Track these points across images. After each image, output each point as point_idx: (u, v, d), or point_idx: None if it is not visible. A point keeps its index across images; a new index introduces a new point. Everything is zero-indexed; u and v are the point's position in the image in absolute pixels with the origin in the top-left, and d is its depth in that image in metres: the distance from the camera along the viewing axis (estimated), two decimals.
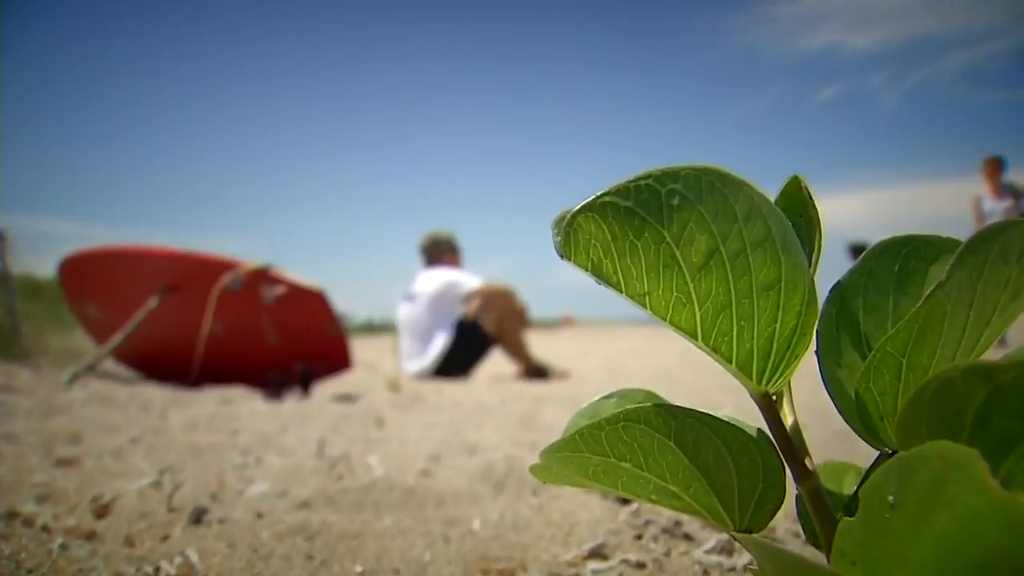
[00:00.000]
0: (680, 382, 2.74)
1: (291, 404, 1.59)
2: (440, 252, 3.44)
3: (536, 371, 3.22)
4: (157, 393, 1.80)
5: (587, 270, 0.21)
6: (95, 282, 2.32)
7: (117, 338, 2.12)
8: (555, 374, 3.18)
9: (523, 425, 1.33)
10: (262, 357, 2.15)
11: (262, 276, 2.02)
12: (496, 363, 4.13)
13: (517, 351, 3.29)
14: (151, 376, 2.43)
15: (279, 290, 1.99)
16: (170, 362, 2.30)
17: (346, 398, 1.93)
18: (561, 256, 0.20)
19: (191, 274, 2.09)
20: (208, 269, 2.06)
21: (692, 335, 0.22)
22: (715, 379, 2.75)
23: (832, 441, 1.08)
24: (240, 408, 1.46)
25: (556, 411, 1.65)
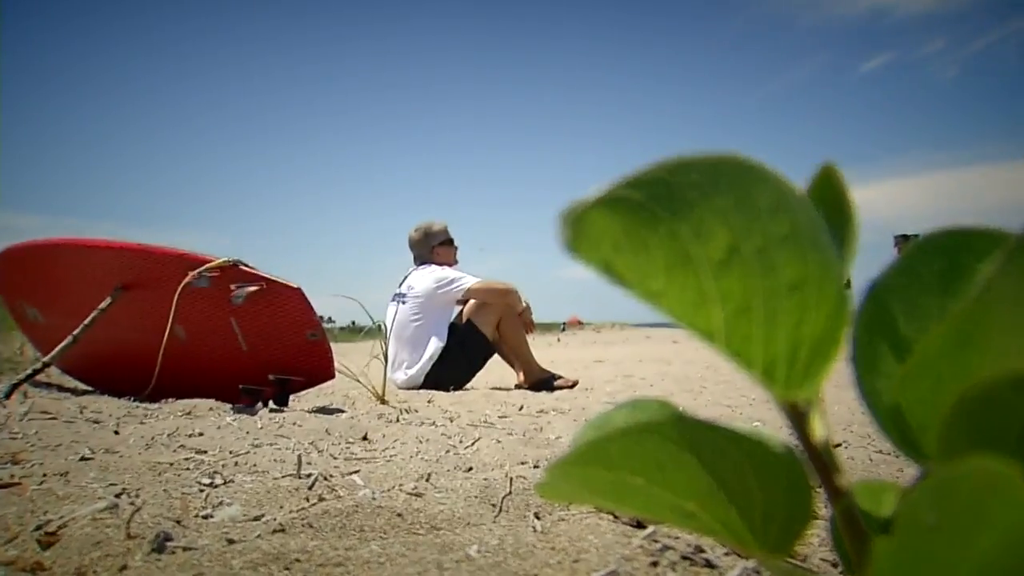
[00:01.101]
0: (704, 393, 2.75)
1: (264, 418, 1.60)
2: (432, 247, 3.45)
3: (540, 380, 3.23)
4: (110, 406, 1.81)
5: (597, 268, 0.22)
6: (35, 281, 2.33)
7: (63, 344, 2.13)
8: (561, 383, 3.19)
9: (525, 440, 1.34)
10: (231, 365, 2.16)
11: (231, 273, 2.02)
12: (495, 371, 4.14)
13: (519, 357, 3.31)
14: (103, 388, 2.44)
15: (250, 289, 1.99)
16: (125, 372, 2.31)
17: (327, 411, 1.94)
18: (569, 253, 0.21)
19: (149, 271, 2.10)
20: (169, 265, 2.07)
21: (710, 338, 0.23)
22: (746, 390, 2.77)
23: (881, 463, 1.09)
24: (206, 423, 1.47)
25: (562, 425, 1.66)
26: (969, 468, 0.20)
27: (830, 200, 0.27)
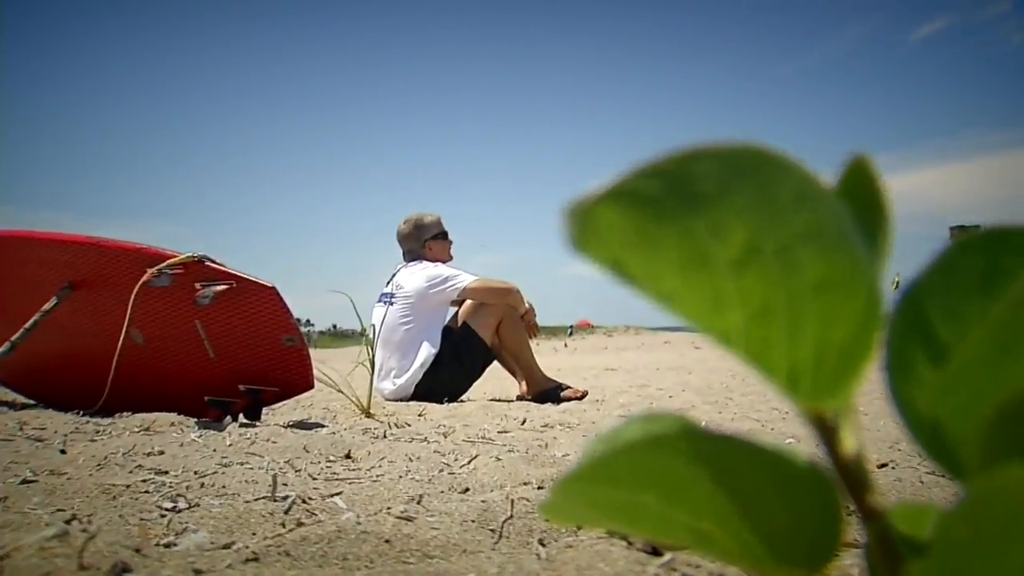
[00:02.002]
0: (730, 406, 2.76)
1: (234, 434, 1.62)
2: (424, 241, 3.46)
3: (545, 391, 3.25)
4: (55, 422, 1.82)
5: (605, 267, 0.23)
6: None
7: (0, 350, 2.14)
8: (568, 394, 3.21)
9: (528, 458, 1.35)
10: (196, 374, 2.18)
11: (195, 270, 2.02)
12: (495, 380, 4.15)
13: (521, 365, 3.32)
14: (46, 401, 2.45)
15: (218, 288, 2.00)
16: (73, 382, 2.33)
17: (305, 425, 1.96)
18: (575, 250, 0.22)
19: (101, 268, 2.12)
20: (124, 261, 2.08)
21: (729, 342, 0.24)
22: (778, 402, 2.78)
23: (933, 485, 1.10)
24: (166, 439, 1.49)
25: (570, 441, 1.67)
26: (1008, 480, 0.21)
27: (861, 193, 0.28)
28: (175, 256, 2.02)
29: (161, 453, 1.32)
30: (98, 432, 1.67)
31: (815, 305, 0.24)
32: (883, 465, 1.32)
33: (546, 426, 2.07)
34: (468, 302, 3.36)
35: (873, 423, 2.15)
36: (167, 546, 0.73)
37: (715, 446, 0.26)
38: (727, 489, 0.25)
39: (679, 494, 0.26)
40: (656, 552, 0.64)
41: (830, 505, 0.27)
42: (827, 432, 0.27)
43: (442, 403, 2.94)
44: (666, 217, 0.22)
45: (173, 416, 1.92)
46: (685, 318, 0.24)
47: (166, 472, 1.13)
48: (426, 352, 3.21)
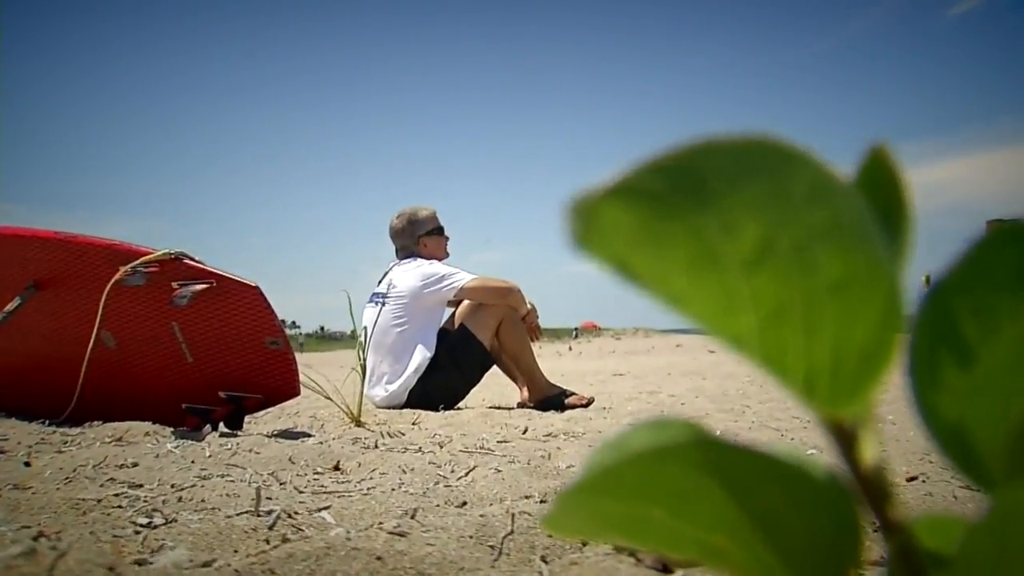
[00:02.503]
0: (747, 414, 2.77)
1: (214, 444, 1.63)
2: (418, 237, 3.46)
3: (548, 397, 3.26)
4: (19, 432, 1.83)
5: (610, 266, 0.24)
6: None
7: None
8: (573, 401, 3.22)
9: (530, 470, 1.36)
10: (173, 380, 2.18)
11: (173, 268, 2.02)
12: (494, 386, 4.15)
13: (523, 370, 3.33)
14: (9, 409, 2.45)
15: (197, 288, 2.00)
16: (38, 389, 2.33)
17: (291, 435, 1.97)
18: (577, 249, 0.23)
19: (70, 265, 2.12)
20: (95, 258, 2.08)
21: (741, 345, 0.24)
22: (799, 411, 2.78)
23: (967, 500, 1.11)
24: (141, 450, 1.49)
25: (574, 451, 1.68)
26: None
27: (881, 187, 0.28)
28: (150, 253, 2.02)
29: (135, 465, 1.32)
30: (66, 443, 1.67)
31: (832, 305, 0.24)
32: (912, 479, 1.32)
33: (549, 435, 2.08)
34: (466, 302, 3.37)
35: (901, 432, 2.15)
36: (142, 564, 0.73)
37: (728, 455, 0.26)
38: (741, 501, 0.26)
39: (690, 506, 0.26)
40: (666, 569, 0.64)
41: (850, 519, 0.28)
42: (846, 440, 0.28)
43: (438, 411, 2.95)
44: (674, 214, 0.22)
45: (147, 425, 1.93)
46: (695, 320, 0.25)
47: (140, 485, 1.14)
48: (421, 356, 3.22)
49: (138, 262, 2.00)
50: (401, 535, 0.82)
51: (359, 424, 2.29)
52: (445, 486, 1.20)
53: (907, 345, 0.29)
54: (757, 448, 0.27)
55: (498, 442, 1.86)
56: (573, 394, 3.28)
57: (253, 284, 2.01)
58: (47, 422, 2.15)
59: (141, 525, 0.88)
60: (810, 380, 0.25)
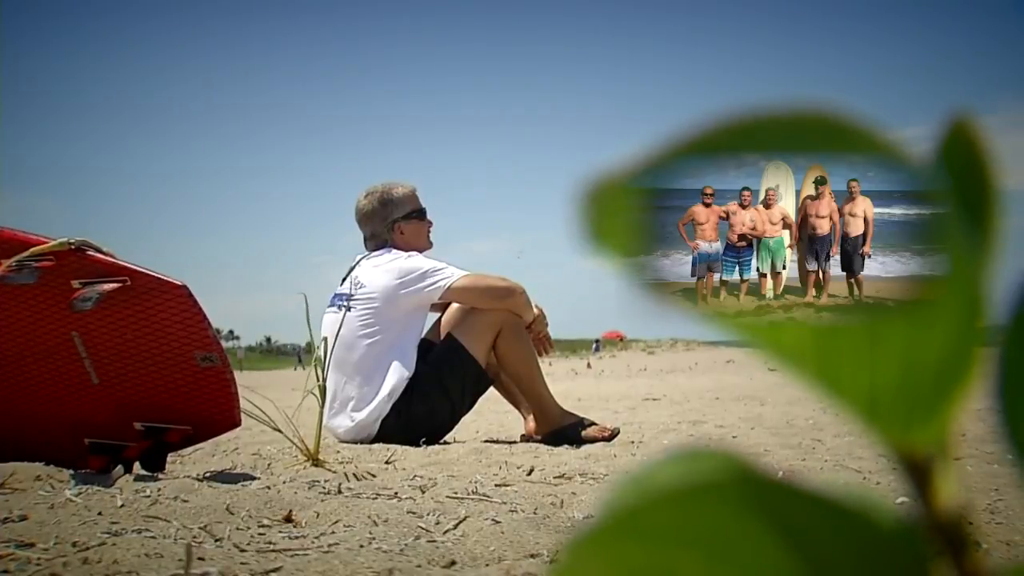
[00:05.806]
0: (818, 450, 2.72)
1: (128, 490, 1.59)
2: (393, 222, 3.29)
3: (560, 429, 3.17)
4: None
5: (630, 269, 0.24)
6: None
7: None
8: (592, 433, 3.13)
9: (537, 521, 1.35)
10: (72, 409, 2.10)
11: (73, 263, 1.93)
12: (492, 414, 4.13)
13: (528, 393, 3.26)
14: None
15: (105, 288, 1.94)
16: None
17: (229, 477, 1.95)
18: (589, 247, 0.23)
19: None
20: None
21: (792, 360, 0.24)
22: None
23: None
24: (30, 500, 1.46)
25: (594, 498, 1.67)
26: None
27: (962, 167, 0.28)
28: (43, 243, 1.91)
29: (23, 519, 1.28)
30: None
31: (900, 311, 0.24)
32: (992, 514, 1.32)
33: (562, 477, 2.06)
34: (455, 306, 3.26)
35: (977, 465, 2.14)
36: None
37: (776, 494, 0.26)
38: (790, 548, 0.26)
39: (729, 555, 0.26)
40: None
41: (919, 568, 0.28)
42: (918, 474, 0.28)
43: (419, 445, 2.86)
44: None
45: (38, 467, 1.84)
46: (737, 332, 0.25)
47: (31, 544, 1.10)
48: (396, 376, 3.09)
49: (27, 254, 1.89)
50: None
51: (317, 463, 2.22)
52: (428, 541, 1.19)
53: (993, 359, 0.29)
54: (811, 486, 0.27)
55: (496, 486, 1.85)
56: (592, 424, 3.16)
57: (180, 283, 1.94)
58: None
59: None
60: (874, 402, 0.25)
